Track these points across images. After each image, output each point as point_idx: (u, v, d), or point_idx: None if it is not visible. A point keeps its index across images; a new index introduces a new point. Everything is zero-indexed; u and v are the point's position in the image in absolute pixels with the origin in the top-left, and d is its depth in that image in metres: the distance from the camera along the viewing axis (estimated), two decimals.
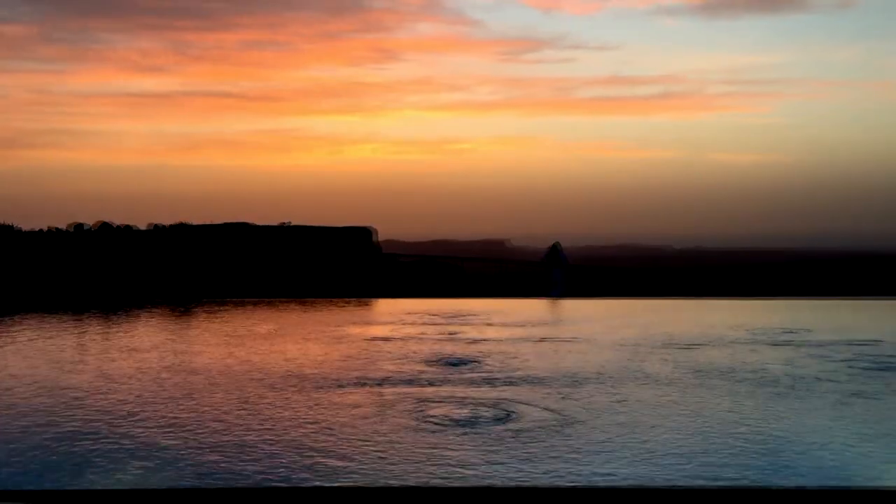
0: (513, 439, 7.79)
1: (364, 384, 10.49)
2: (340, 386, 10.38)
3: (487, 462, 7.04)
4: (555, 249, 25.33)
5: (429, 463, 7.02)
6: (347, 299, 24.01)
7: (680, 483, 6.53)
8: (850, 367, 12.01)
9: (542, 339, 15.06)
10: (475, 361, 12.32)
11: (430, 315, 19.31)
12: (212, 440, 7.72)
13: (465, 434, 7.99)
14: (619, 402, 9.51)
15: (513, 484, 6.49)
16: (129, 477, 6.64)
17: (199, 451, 7.35)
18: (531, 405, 9.25)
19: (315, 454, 7.29)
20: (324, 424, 8.36)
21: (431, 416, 8.68)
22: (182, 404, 9.30)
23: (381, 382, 10.60)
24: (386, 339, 14.89)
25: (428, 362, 12.23)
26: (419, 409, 9.03)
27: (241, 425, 8.31)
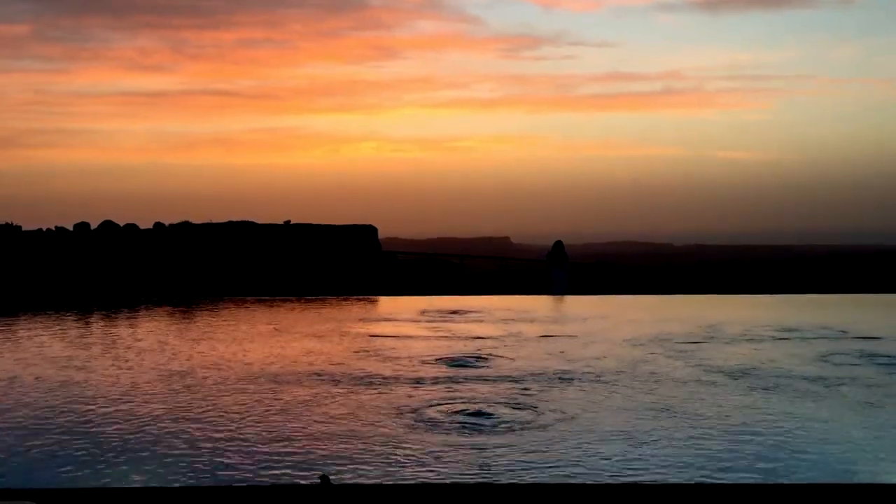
0: (513, 435, 7.78)
1: (364, 382, 10.48)
2: (341, 384, 10.36)
3: (485, 458, 7.02)
4: (557, 247, 25.29)
5: (429, 460, 7.00)
6: (349, 297, 23.98)
7: (678, 480, 6.51)
8: (850, 362, 11.99)
9: (543, 336, 15.04)
10: (475, 358, 12.29)
11: (429, 312, 19.28)
12: (212, 439, 7.71)
13: (466, 431, 7.97)
14: (619, 397, 9.50)
15: (512, 480, 6.47)
16: (127, 476, 6.63)
17: (199, 450, 7.33)
18: (531, 402, 9.23)
19: (313, 453, 7.27)
20: (323, 422, 8.35)
21: (431, 414, 8.67)
22: (183, 402, 9.28)
23: (382, 380, 10.59)
24: (386, 337, 14.87)
25: (428, 360, 12.21)
26: (419, 406, 9.02)
27: (241, 423, 8.29)
